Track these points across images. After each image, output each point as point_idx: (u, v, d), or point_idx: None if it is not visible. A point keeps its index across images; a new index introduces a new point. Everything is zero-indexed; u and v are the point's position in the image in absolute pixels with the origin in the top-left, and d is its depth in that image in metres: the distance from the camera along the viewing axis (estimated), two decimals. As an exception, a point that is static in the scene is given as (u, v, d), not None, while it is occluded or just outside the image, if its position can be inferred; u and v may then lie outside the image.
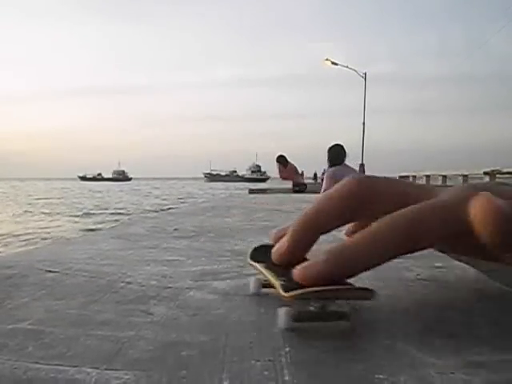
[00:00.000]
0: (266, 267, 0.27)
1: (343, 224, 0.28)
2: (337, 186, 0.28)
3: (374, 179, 0.29)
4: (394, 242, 0.24)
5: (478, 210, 0.24)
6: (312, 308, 0.23)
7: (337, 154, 3.50)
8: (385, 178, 0.30)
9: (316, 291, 0.22)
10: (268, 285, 0.27)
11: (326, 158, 3.54)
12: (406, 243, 0.24)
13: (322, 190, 3.52)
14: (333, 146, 3.55)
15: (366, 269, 0.24)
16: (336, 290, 0.23)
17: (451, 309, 0.27)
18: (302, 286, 0.23)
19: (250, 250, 0.30)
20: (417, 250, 0.25)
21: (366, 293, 0.24)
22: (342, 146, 3.55)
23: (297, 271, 0.24)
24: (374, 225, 0.24)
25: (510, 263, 0.28)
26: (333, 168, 3.45)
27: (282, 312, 0.23)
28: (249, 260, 0.29)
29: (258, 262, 0.28)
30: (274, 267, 0.27)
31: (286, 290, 0.23)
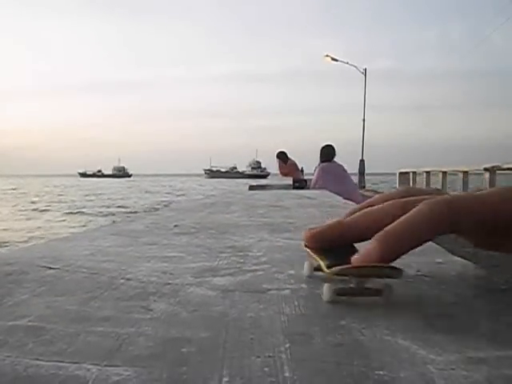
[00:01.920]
0: (316, 252, 0.31)
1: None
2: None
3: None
4: (428, 227, 0.28)
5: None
6: (351, 284, 0.27)
7: (327, 153, 4.14)
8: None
9: (352, 267, 0.27)
10: (319, 268, 0.31)
11: (319, 156, 4.17)
12: (437, 229, 0.29)
13: (313, 180, 4.04)
14: (325, 146, 4.18)
15: (407, 252, 0.28)
16: (369, 268, 0.27)
17: (451, 305, 0.27)
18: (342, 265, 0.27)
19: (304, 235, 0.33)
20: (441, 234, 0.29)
21: (395, 271, 0.27)
22: (332, 146, 4.19)
23: (354, 260, 0.27)
24: (409, 214, 0.28)
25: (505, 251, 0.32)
26: (323, 163, 4.06)
27: (326, 287, 0.27)
28: (303, 245, 0.32)
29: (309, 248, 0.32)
30: (323, 251, 0.30)
31: (327, 267, 0.28)
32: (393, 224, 0.28)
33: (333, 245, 0.31)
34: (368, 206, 0.33)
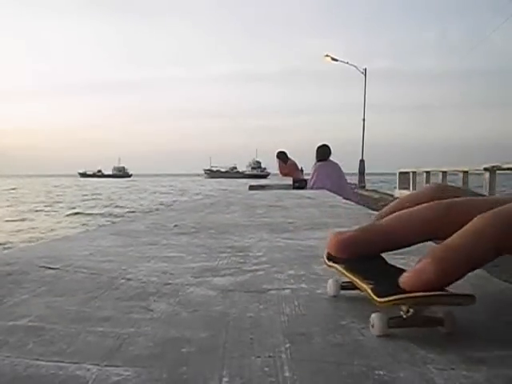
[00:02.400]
0: (347, 268, 0.25)
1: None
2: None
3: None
4: (498, 238, 0.22)
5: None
6: (403, 314, 0.22)
7: (323, 152, 4.27)
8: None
9: (412, 297, 0.21)
10: (348, 287, 0.27)
11: (315, 155, 4.30)
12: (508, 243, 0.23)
13: (310, 178, 4.18)
14: (321, 146, 4.33)
15: (467, 273, 0.23)
16: (433, 297, 0.22)
17: (451, 305, 0.27)
18: (395, 291, 0.22)
19: (325, 251, 0.27)
20: None
21: (466, 299, 0.22)
22: (328, 146, 4.33)
23: (406, 279, 0.22)
24: (473, 225, 0.23)
25: None
26: (319, 162, 4.21)
27: (377, 318, 0.22)
28: (326, 261, 0.27)
29: (335, 262, 0.26)
30: (356, 268, 0.25)
31: (378, 295, 0.22)
32: (452, 237, 0.23)
33: (364, 253, 0.26)
34: (400, 208, 0.28)
